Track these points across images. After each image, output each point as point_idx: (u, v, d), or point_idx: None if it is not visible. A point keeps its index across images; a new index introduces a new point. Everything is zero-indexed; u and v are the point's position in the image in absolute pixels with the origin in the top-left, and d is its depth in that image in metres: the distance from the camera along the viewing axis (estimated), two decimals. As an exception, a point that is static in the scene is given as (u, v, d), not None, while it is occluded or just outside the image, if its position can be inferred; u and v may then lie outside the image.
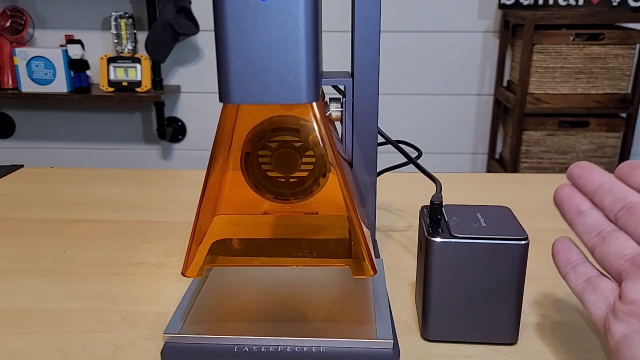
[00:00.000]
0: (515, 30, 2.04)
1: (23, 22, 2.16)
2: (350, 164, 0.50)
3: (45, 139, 2.39)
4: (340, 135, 0.50)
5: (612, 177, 0.37)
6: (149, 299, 0.49)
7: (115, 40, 2.13)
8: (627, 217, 0.35)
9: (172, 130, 2.32)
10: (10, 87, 2.16)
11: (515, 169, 2.04)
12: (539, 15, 1.89)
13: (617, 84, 1.94)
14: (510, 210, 0.44)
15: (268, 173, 0.40)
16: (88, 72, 2.15)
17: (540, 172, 2.03)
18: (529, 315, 0.46)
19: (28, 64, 2.10)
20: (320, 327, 0.42)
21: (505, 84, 2.18)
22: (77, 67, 2.12)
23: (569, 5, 2.01)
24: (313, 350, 0.40)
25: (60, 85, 2.11)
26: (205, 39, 2.18)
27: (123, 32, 2.11)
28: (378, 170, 0.52)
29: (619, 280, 0.35)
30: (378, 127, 0.50)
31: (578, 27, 1.89)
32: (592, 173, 0.37)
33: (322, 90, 0.42)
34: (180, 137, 2.35)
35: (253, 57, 0.35)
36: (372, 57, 0.48)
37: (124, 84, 2.11)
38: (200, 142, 2.35)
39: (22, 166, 0.84)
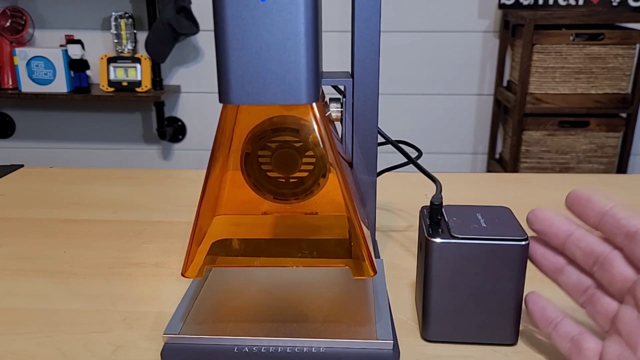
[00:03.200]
0: (515, 30, 2.04)
1: (23, 22, 2.16)
2: (350, 164, 0.50)
3: (45, 139, 2.39)
4: (340, 135, 0.50)
5: (574, 225, 0.37)
6: (149, 299, 0.49)
7: (115, 40, 2.13)
8: (600, 273, 0.36)
9: (172, 130, 2.32)
10: (10, 87, 2.16)
11: (515, 169, 2.04)
12: (539, 15, 1.89)
13: (617, 84, 1.94)
14: (510, 210, 0.44)
15: (268, 173, 0.40)
16: (88, 72, 2.15)
17: (540, 172, 2.03)
18: (529, 315, 0.46)
19: (28, 64, 2.10)
20: (320, 328, 0.42)
21: (505, 84, 2.18)
22: (77, 67, 2.12)
23: (569, 5, 2.01)
24: (313, 350, 0.40)
25: (60, 85, 2.11)
26: (205, 39, 2.18)
27: (123, 32, 2.11)
28: (378, 170, 0.52)
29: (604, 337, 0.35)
30: (378, 127, 0.50)
31: (578, 27, 1.89)
32: (554, 226, 0.38)
33: (322, 91, 0.42)
34: (180, 137, 2.35)
35: (253, 57, 0.35)
36: (372, 57, 0.48)
37: (124, 84, 2.11)
38: (200, 142, 2.35)
39: (22, 166, 0.84)
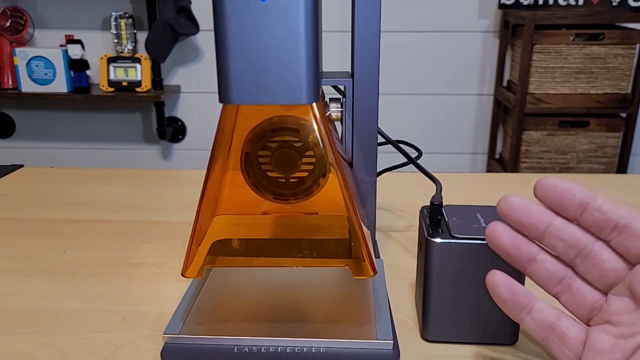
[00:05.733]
0: (515, 30, 2.04)
1: (23, 22, 2.16)
2: (350, 164, 0.50)
3: (45, 139, 2.39)
4: (340, 135, 0.50)
5: (551, 214, 0.34)
6: (149, 299, 0.49)
7: (115, 40, 2.13)
8: (586, 266, 0.33)
9: (172, 130, 2.32)
10: (10, 87, 2.16)
11: (515, 169, 2.04)
12: (539, 15, 1.89)
13: (617, 84, 1.94)
14: (510, 210, 0.44)
15: (268, 173, 0.40)
16: (88, 72, 2.15)
17: (540, 172, 2.03)
18: (529, 315, 0.46)
19: (28, 64, 2.10)
20: (320, 328, 0.42)
21: (505, 84, 2.18)
22: (77, 67, 2.12)
23: (569, 5, 2.01)
24: (313, 350, 0.40)
25: (60, 85, 2.11)
26: (205, 39, 2.18)
27: (123, 32, 2.11)
28: (378, 170, 0.52)
29: (587, 323, 0.34)
30: (378, 127, 0.50)
31: (578, 27, 1.89)
32: (532, 216, 0.34)
33: (322, 91, 0.42)
34: (180, 137, 2.35)
35: (253, 57, 0.35)
36: (372, 57, 0.48)
37: (124, 84, 2.11)
38: (200, 142, 2.35)
39: (22, 166, 0.84)
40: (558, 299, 0.35)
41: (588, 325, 0.34)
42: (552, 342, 0.34)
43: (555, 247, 0.34)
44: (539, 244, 0.35)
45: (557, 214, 0.34)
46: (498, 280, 0.35)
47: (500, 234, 0.35)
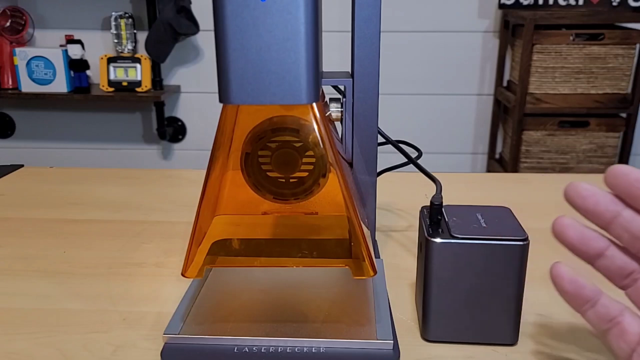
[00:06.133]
0: (515, 30, 2.04)
1: (23, 22, 2.16)
2: (350, 164, 0.50)
3: (45, 139, 2.39)
4: (340, 135, 0.50)
5: (620, 204, 0.33)
6: (149, 299, 0.49)
7: (115, 40, 2.13)
8: None
9: (172, 130, 2.32)
10: (10, 87, 2.15)
11: (515, 169, 2.04)
12: (539, 15, 1.89)
13: (617, 84, 1.94)
14: (510, 210, 0.44)
15: (268, 173, 0.40)
16: (88, 72, 2.15)
17: (540, 172, 2.03)
18: (529, 315, 0.46)
19: (28, 64, 2.10)
20: (320, 328, 0.42)
21: (505, 84, 2.18)
22: (77, 67, 2.12)
23: (569, 5, 2.01)
24: (313, 350, 0.40)
25: (60, 85, 2.11)
26: (205, 39, 2.18)
27: (123, 32, 2.11)
28: (378, 170, 0.52)
29: None
30: (378, 127, 0.50)
31: (578, 27, 1.89)
32: (600, 204, 0.33)
33: (322, 91, 0.42)
34: (180, 137, 2.35)
35: (253, 57, 0.35)
36: (372, 57, 0.48)
37: (124, 84, 2.11)
38: (200, 142, 2.35)
39: (22, 166, 0.84)
40: (625, 291, 0.34)
41: None
42: (612, 336, 0.33)
43: (621, 237, 0.33)
44: (608, 237, 0.34)
45: (625, 203, 0.33)
46: (561, 272, 0.34)
47: (568, 229, 0.34)
